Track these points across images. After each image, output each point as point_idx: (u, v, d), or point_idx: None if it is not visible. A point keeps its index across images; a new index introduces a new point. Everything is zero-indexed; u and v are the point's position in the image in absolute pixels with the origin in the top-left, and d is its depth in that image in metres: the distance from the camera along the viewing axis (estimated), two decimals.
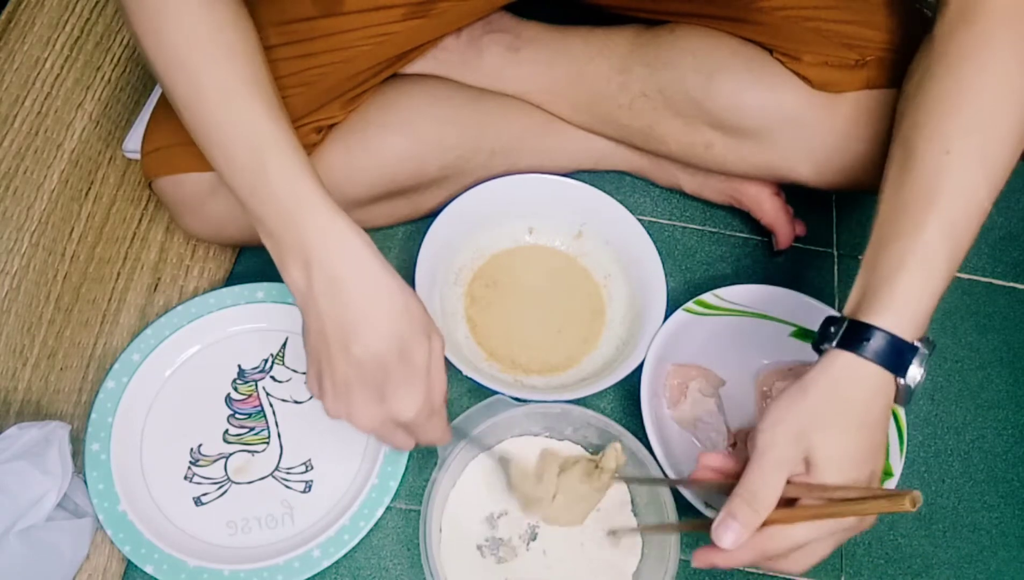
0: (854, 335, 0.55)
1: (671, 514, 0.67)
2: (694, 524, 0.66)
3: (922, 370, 0.55)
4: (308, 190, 0.57)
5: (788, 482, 0.55)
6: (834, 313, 0.60)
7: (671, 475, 0.71)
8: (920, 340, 0.56)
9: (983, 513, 0.78)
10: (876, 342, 0.54)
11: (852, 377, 0.55)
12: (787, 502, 0.55)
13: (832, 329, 0.57)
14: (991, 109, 0.57)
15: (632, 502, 0.73)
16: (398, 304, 0.58)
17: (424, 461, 0.76)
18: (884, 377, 0.55)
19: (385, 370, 0.58)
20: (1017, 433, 0.82)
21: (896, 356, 0.54)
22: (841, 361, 0.55)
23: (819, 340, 0.58)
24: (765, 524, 0.54)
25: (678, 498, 0.68)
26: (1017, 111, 0.57)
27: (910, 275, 0.55)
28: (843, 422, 0.55)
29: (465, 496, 0.72)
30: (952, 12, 0.61)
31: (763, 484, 0.54)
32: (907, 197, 0.57)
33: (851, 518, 0.54)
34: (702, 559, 0.57)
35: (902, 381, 0.55)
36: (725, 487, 0.58)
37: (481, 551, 0.70)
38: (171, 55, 0.58)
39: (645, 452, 0.70)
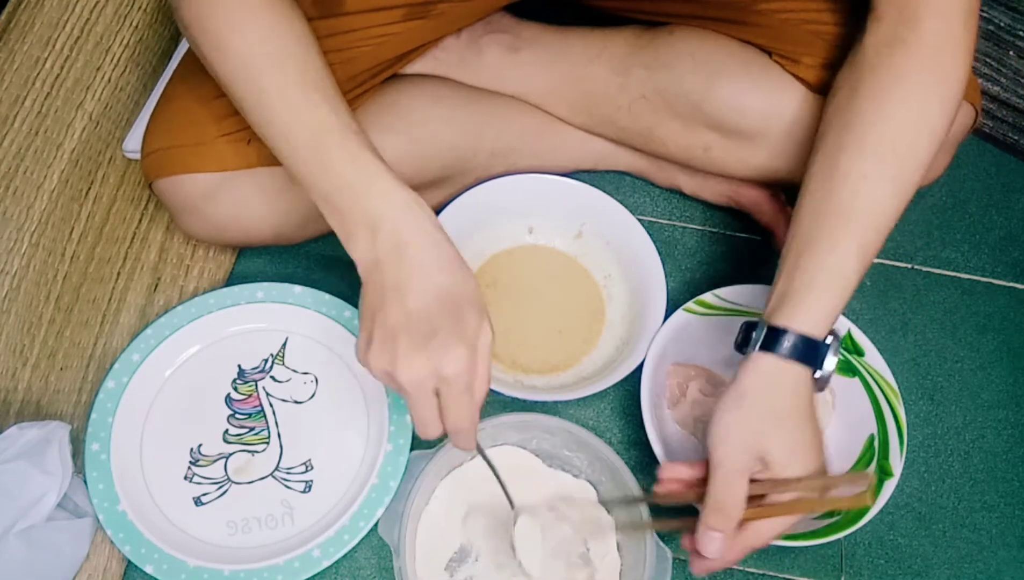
0: (774, 339, 0.61)
1: (644, 515, 0.69)
2: (667, 523, 0.67)
3: (835, 358, 0.62)
4: (371, 164, 0.59)
5: (752, 481, 0.60)
6: (753, 319, 0.65)
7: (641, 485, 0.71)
8: (829, 334, 0.62)
9: (983, 513, 0.78)
10: (793, 343, 0.61)
11: (777, 378, 0.61)
12: (753, 497, 0.60)
13: (753, 334, 0.63)
14: (908, 142, 0.63)
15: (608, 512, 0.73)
16: (457, 270, 0.59)
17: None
18: (803, 372, 0.61)
19: (435, 324, 0.57)
20: (1017, 433, 0.82)
21: (811, 352, 0.61)
22: (765, 363, 0.61)
23: (741, 343, 0.64)
24: (743, 522, 0.60)
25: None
26: (930, 143, 0.63)
27: (823, 288, 0.62)
28: (782, 424, 0.61)
29: (434, 523, 0.72)
30: (885, 29, 0.64)
31: (728, 493, 0.60)
32: (825, 214, 0.63)
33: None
34: (700, 567, 0.62)
35: (818, 372, 0.62)
36: (692, 496, 0.63)
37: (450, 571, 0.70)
38: (235, 62, 0.62)
39: (617, 458, 0.71)
